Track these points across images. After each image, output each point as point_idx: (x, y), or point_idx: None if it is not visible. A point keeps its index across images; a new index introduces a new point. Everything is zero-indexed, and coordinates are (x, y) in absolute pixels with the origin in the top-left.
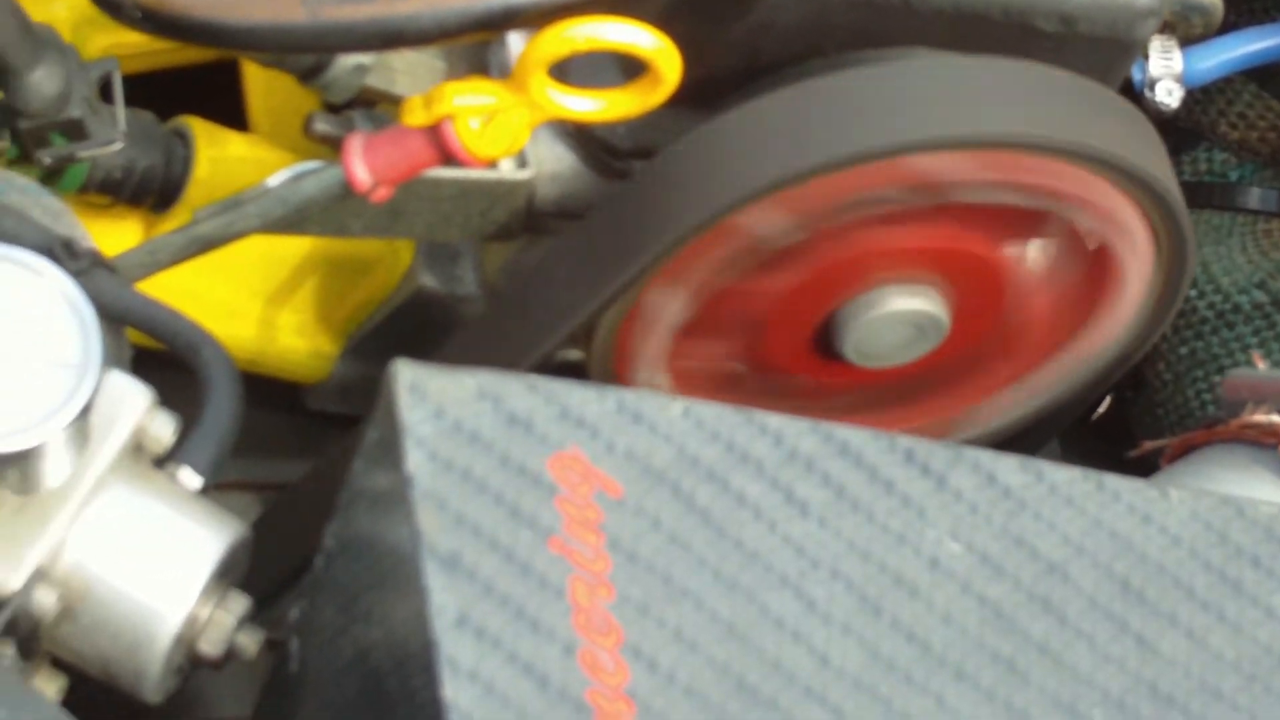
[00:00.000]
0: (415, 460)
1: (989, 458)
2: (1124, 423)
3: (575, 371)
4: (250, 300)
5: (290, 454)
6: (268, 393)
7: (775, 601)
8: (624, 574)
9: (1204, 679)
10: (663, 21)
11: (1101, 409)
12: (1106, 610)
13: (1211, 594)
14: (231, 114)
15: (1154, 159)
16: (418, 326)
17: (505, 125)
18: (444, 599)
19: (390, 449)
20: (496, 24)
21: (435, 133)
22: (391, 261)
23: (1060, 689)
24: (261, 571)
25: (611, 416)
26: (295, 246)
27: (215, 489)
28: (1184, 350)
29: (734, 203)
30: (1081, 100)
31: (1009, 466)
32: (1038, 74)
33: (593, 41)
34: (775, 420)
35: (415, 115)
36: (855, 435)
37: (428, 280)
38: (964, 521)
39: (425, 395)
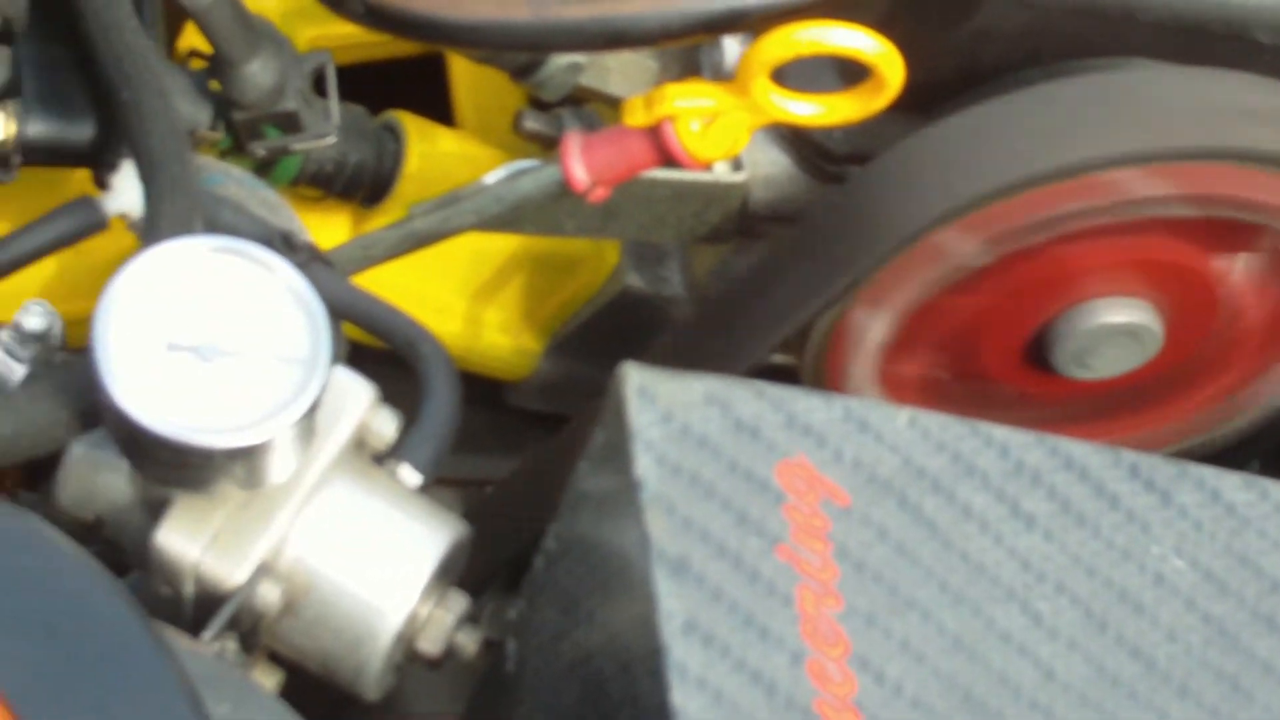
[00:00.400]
0: (644, 464)
1: (1213, 474)
2: None
3: (784, 375)
4: (457, 296)
5: (491, 450)
6: (471, 389)
7: (1001, 615)
8: (851, 583)
9: None
10: (882, 25)
11: None
12: None
13: None
14: (437, 108)
15: None
16: (622, 326)
17: (726, 128)
18: (672, 604)
19: (618, 452)
20: (721, 26)
21: (655, 134)
22: (597, 261)
23: None
24: (466, 568)
25: (838, 424)
26: (502, 244)
27: None
28: None
29: (953, 211)
30: None
31: (1233, 484)
32: (1255, 86)
33: (817, 45)
34: (1000, 432)
35: (636, 116)
36: (1080, 449)
37: (634, 280)
38: (1188, 538)
39: (654, 399)
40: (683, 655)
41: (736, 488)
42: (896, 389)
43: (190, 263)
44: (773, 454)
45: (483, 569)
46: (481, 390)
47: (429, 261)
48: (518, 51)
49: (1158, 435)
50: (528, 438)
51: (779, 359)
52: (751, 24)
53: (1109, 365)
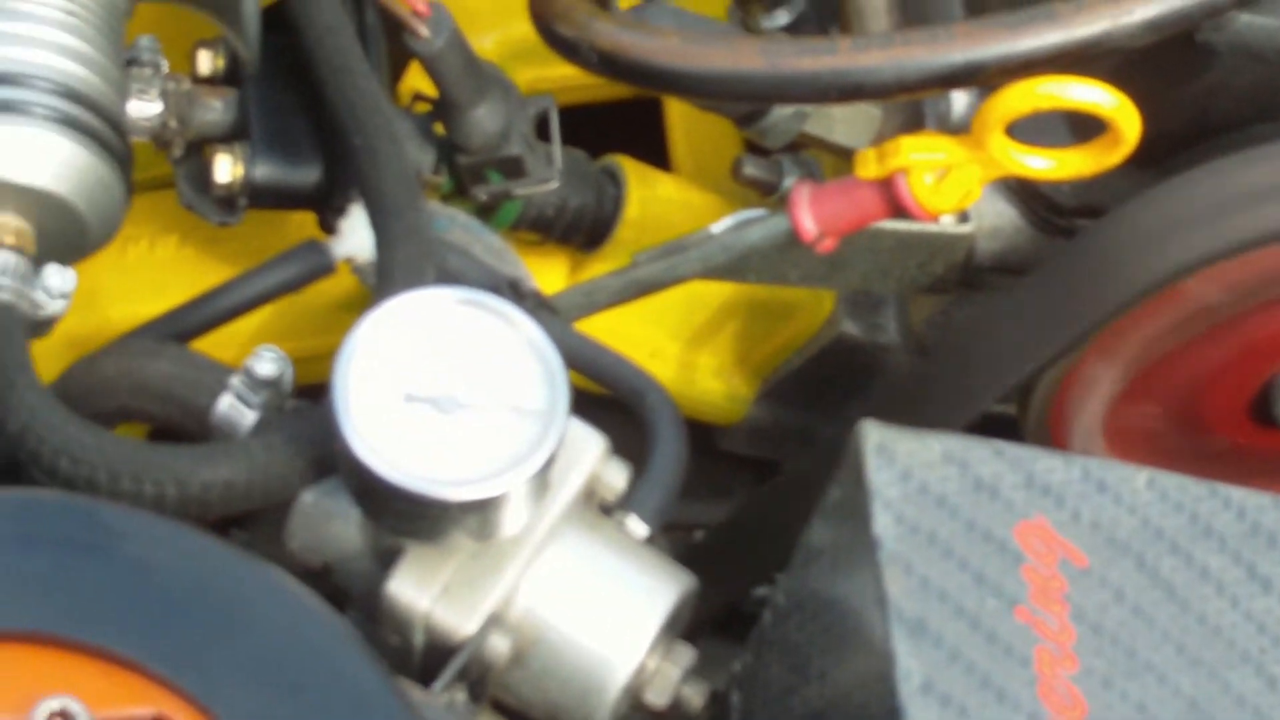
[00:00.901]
0: (883, 522)
1: None
2: None
3: (1003, 424)
4: (671, 341)
5: (700, 495)
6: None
7: (1236, 679)
8: (1088, 646)
9: None
10: (1114, 79)
11: None
12: None
13: None
14: (652, 151)
15: None
16: (835, 373)
17: (959, 181)
18: (910, 664)
19: (855, 509)
20: (957, 80)
21: (887, 186)
22: (813, 307)
23: None
24: None
25: (1076, 485)
26: (716, 290)
27: None
28: None
29: (1186, 268)
30: None
31: None
32: None
33: (1055, 100)
34: (1238, 493)
35: (868, 168)
36: None
37: (849, 328)
38: None
39: (893, 457)
40: (920, 715)
41: (975, 548)
42: (1120, 442)
43: (430, 313)
44: (1011, 514)
45: (694, 616)
46: (692, 434)
47: (644, 305)
48: (751, 103)
49: None
50: (737, 482)
51: (998, 408)
52: (987, 78)
53: None
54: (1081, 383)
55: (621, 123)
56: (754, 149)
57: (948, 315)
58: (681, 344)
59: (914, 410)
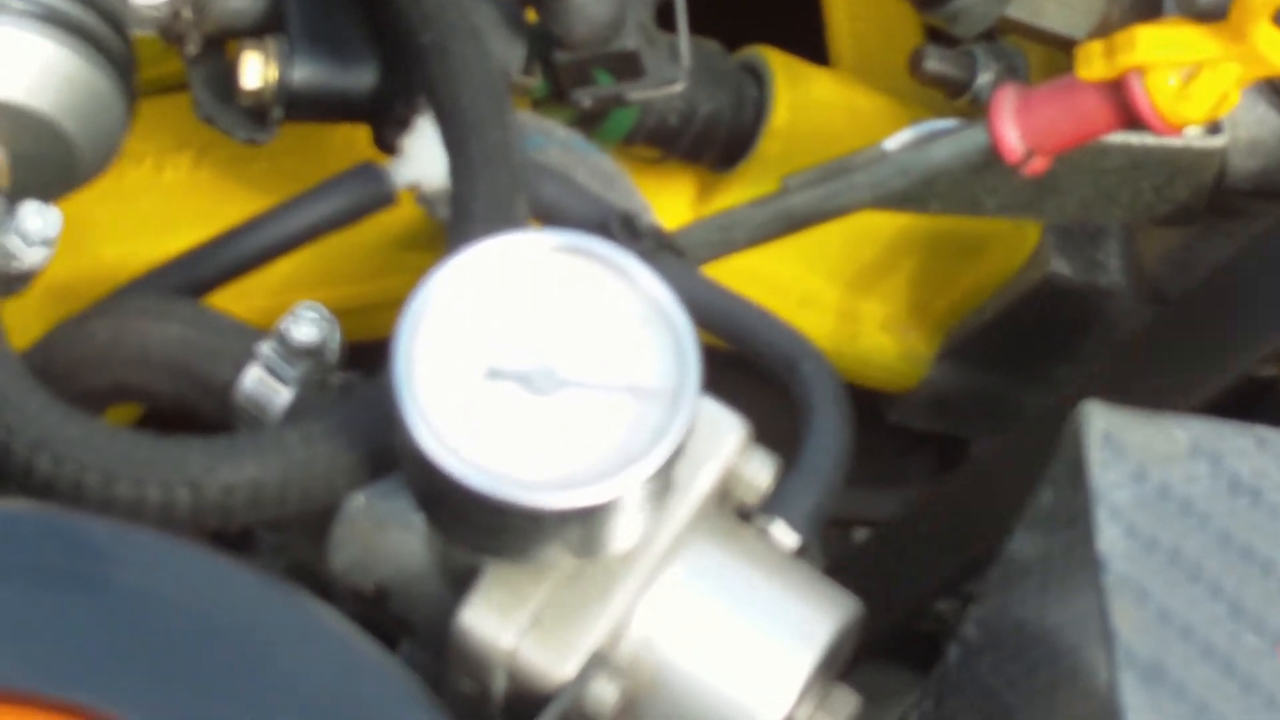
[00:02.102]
0: (1110, 536)
1: None
2: None
3: (1266, 393)
4: (827, 285)
5: (864, 481)
6: None
7: None
8: None
9: None
10: None
11: None
12: None
13: None
14: (809, 42)
15: None
16: (1042, 325)
17: (1214, 83)
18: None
19: (1074, 518)
20: None
21: (1117, 89)
22: (1013, 241)
23: None
24: None
25: None
26: (887, 220)
27: None
28: None
29: None
30: None
31: None
32: None
33: None
34: None
35: (1093, 67)
36: None
37: (1060, 267)
38: None
39: (1124, 450)
40: None
41: (1230, 568)
42: None
43: (520, 264)
44: (1277, 523)
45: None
46: (854, 403)
47: (793, 242)
48: None
49: None
50: (911, 465)
51: (1266, 372)
52: None
53: None
54: None
55: (770, 6)
56: (938, 37)
57: (1192, 251)
58: (841, 289)
59: (1147, 376)
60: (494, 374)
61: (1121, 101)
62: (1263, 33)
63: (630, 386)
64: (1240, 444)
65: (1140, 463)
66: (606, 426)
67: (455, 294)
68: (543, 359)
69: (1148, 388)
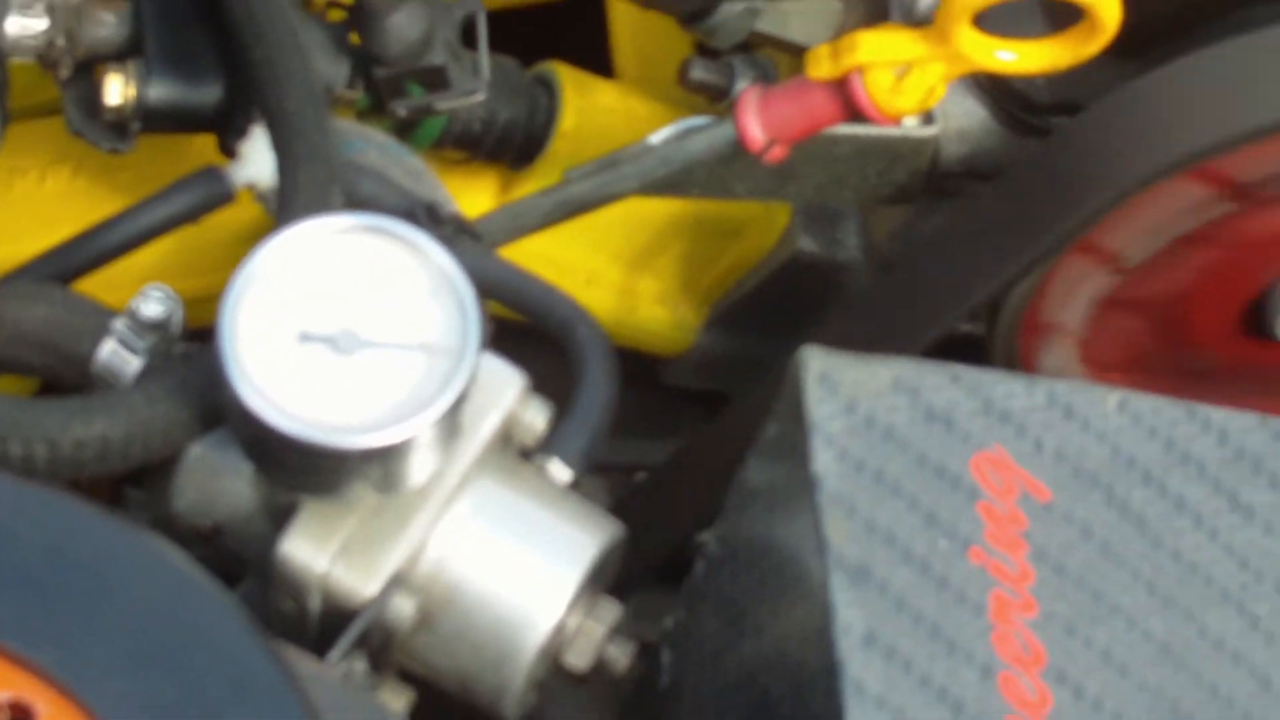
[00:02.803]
0: (823, 460)
1: None
2: None
3: (969, 345)
4: (609, 264)
5: (643, 434)
6: (622, 365)
7: (1214, 619)
8: (1049, 588)
9: None
10: None
11: None
12: None
13: None
14: (595, 57)
15: None
16: (792, 295)
17: (922, 79)
18: (851, 615)
19: (794, 446)
20: None
21: (842, 86)
22: (765, 223)
23: None
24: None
25: (1040, 411)
26: (659, 207)
27: None
28: None
29: (1170, 167)
30: None
31: None
32: None
33: None
34: (1219, 414)
35: (820, 67)
36: None
37: (806, 244)
38: None
39: (836, 387)
40: (861, 671)
41: (926, 484)
42: (1097, 361)
43: (327, 243)
44: (967, 446)
45: (631, 566)
46: (634, 366)
47: (580, 227)
48: None
49: None
50: (684, 419)
51: (965, 328)
52: None
53: None
54: (1055, 296)
55: (561, 27)
56: (705, 51)
57: (912, 227)
58: (622, 268)
59: (873, 332)
60: (305, 337)
61: (845, 97)
62: (964, 34)
63: (421, 345)
64: (935, 379)
65: (850, 397)
66: (401, 379)
67: (273, 270)
68: (347, 323)
69: (871, 342)
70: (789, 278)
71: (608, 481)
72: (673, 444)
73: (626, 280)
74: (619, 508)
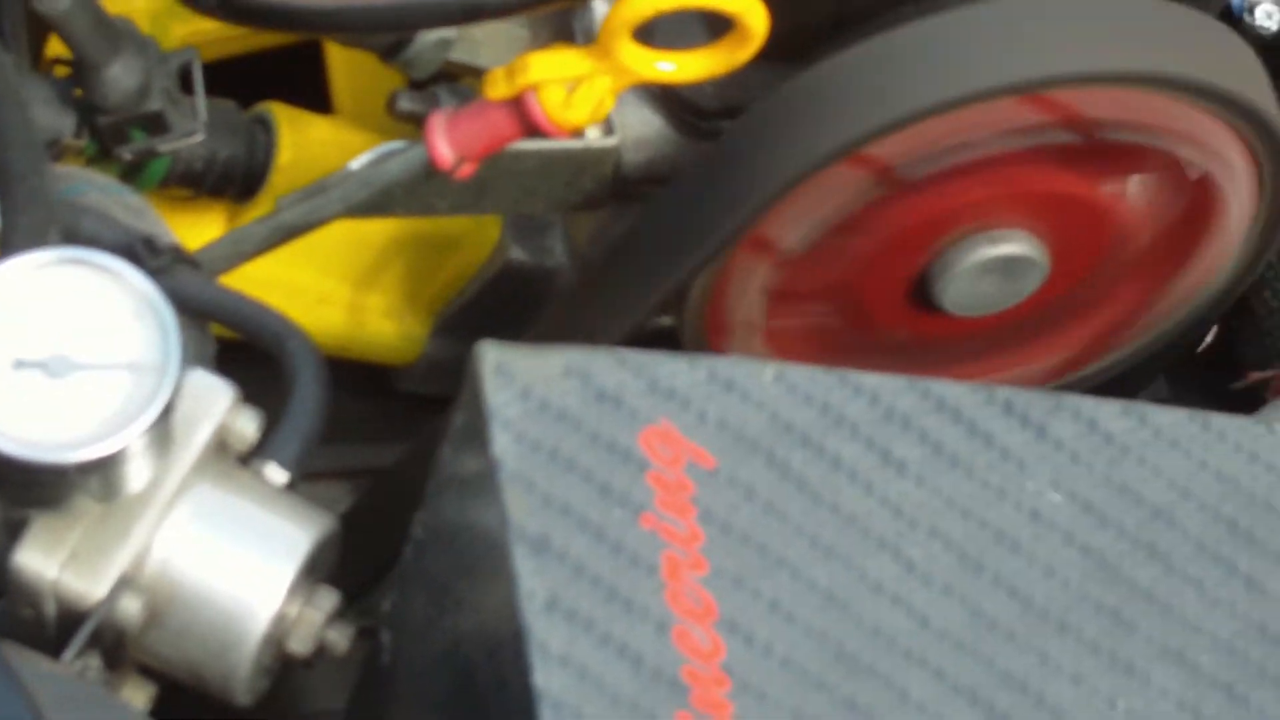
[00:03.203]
0: (502, 443)
1: (1090, 405)
2: (1231, 354)
3: (669, 338)
4: (338, 285)
5: (382, 439)
6: (358, 377)
7: (873, 565)
8: (718, 547)
9: None
10: None
11: (1208, 340)
12: (1214, 553)
13: None
14: (317, 97)
15: (1252, 83)
16: (508, 301)
17: (590, 93)
18: (533, 583)
19: (477, 433)
20: None
21: (518, 104)
22: (479, 236)
23: (1168, 636)
24: (356, 561)
25: (702, 386)
26: (381, 228)
27: (308, 479)
28: None
29: (824, 159)
30: (1172, 27)
31: (1111, 412)
32: (1129, 4)
33: (676, 0)
34: (870, 379)
35: (497, 87)
36: (952, 389)
37: (517, 253)
38: (1065, 471)
39: (511, 376)
40: (545, 635)
41: (599, 460)
42: (782, 343)
43: (35, 276)
44: (635, 422)
45: (373, 561)
46: (371, 377)
47: (307, 252)
48: (380, 34)
49: (1048, 370)
50: (420, 423)
51: (665, 321)
52: None
53: (993, 301)
54: (733, 286)
55: (284, 71)
56: (416, 83)
57: (605, 231)
58: (350, 287)
59: (574, 330)
60: (20, 364)
61: (522, 114)
62: (625, 49)
63: (128, 364)
64: (603, 363)
65: (525, 385)
66: (111, 397)
67: None
68: (58, 349)
69: (573, 338)
70: (503, 285)
71: (353, 486)
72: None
73: (355, 298)
74: (359, 506)
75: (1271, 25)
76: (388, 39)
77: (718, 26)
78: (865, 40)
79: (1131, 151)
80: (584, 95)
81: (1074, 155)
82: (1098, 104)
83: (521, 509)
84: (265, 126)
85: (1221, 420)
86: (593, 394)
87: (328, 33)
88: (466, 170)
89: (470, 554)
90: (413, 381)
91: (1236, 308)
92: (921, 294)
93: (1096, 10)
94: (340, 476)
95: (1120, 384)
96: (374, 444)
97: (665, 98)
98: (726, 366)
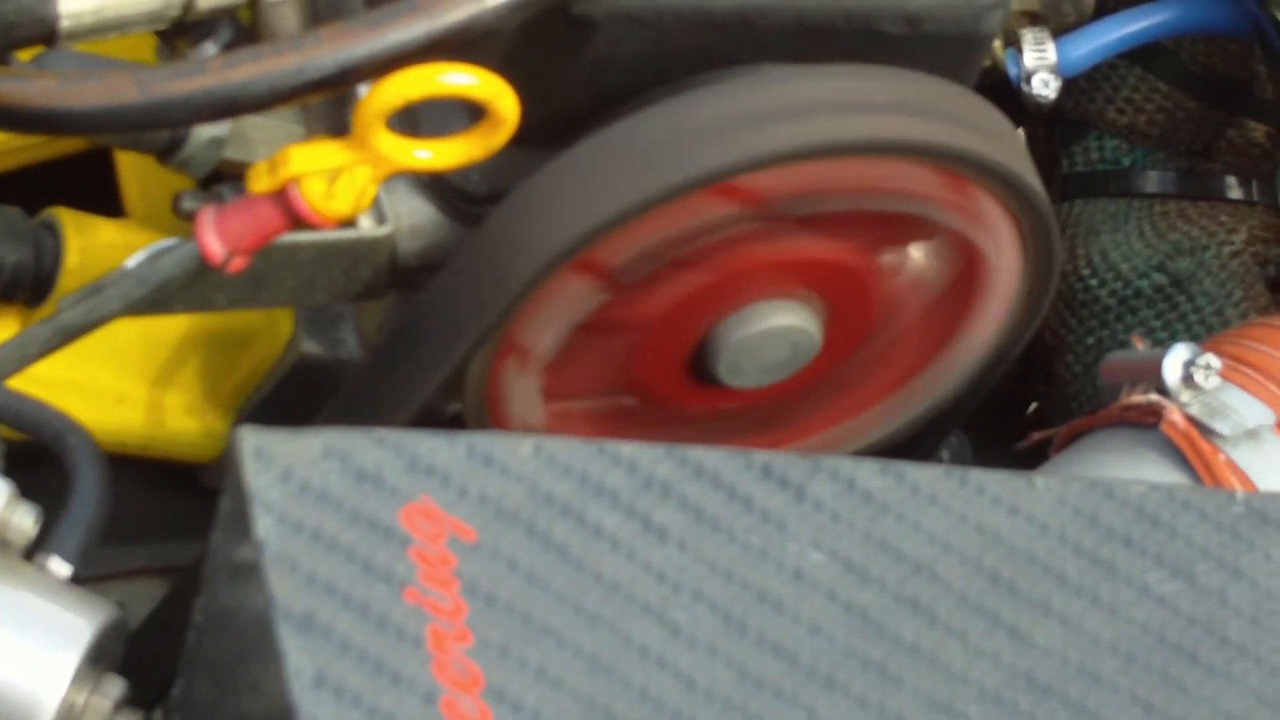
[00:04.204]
0: (264, 525)
1: (848, 464)
2: (1040, 418)
3: (460, 423)
4: (136, 384)
5: (192, 535)
6: (166, 474)
7: (638, 630)
8: (482, 618)
9: (1082, 664)
10: (505, 64)
11: (1030, 409)
12: (977, 605)
13: (1084, 578)
14: (110, 203)
15: (1010, 151)
16: (305, 394)
17: (351, 183)
18: (300, 660)
19: (242, 517)
20: (333, 83)
21: (282, 197)
22: (272, 331)
23: (935, 689)
24: (167, 653)
25: (462, 462)
26: (175, 325)
27: (120, 576)
28: (1090, 340)
29: (579, 240)
30: (930, 98)
31: (869, 471)
32: (883, 76)
33: (424, 88)
34: (628, 449)
35: (261, 181)
36: (710, 456)
37: (310, 346)
38: (826, 530)
39: (271, 459)
40: (314, 710)
41: (360, 538)
42: (565, 421)
43: None
44: (396, 499)
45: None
46: (177, 474)
47: (102, 352)
48: (138, 132)
49: (841, 436)
50: None
51: (458, 407)
52: (363, 76)
53: (772, 371)
54: (508, 366)
55: (76, 178)
56: (206, 182)
57: (390, 318)
58: (147, 386)
59: (359, 418)
60: None
61: (287, 206)
62: (380, 138)
63: None
64: (362, 443)
65: (285, 467)
66: None
67: None
68: None
69: (357, 423)
70: (299, 378)
71: (166, 582)
72: None
73: (153, 396)
74: (164, 604)
75: (1049, 93)
76: (161, 140)
77: (477, 113)
78: (609, 125)
79: (892, 220)
80: (345, 185)
81: (837, 226)
82: (854, 173)
83: (286, 589)
84: (52, 231)
85: (980, 475)
86: (353, 473)
87: (88, 134)
88: (238, 264)
89: (246, 637)
90: (218, 477)
91: (1043, 373)
92: (700, 369)
93: (851, 81)
94: (154, 573)
95: (912, 446)
96: (185, 540)
97: (436, 185)
98: (485, 442)
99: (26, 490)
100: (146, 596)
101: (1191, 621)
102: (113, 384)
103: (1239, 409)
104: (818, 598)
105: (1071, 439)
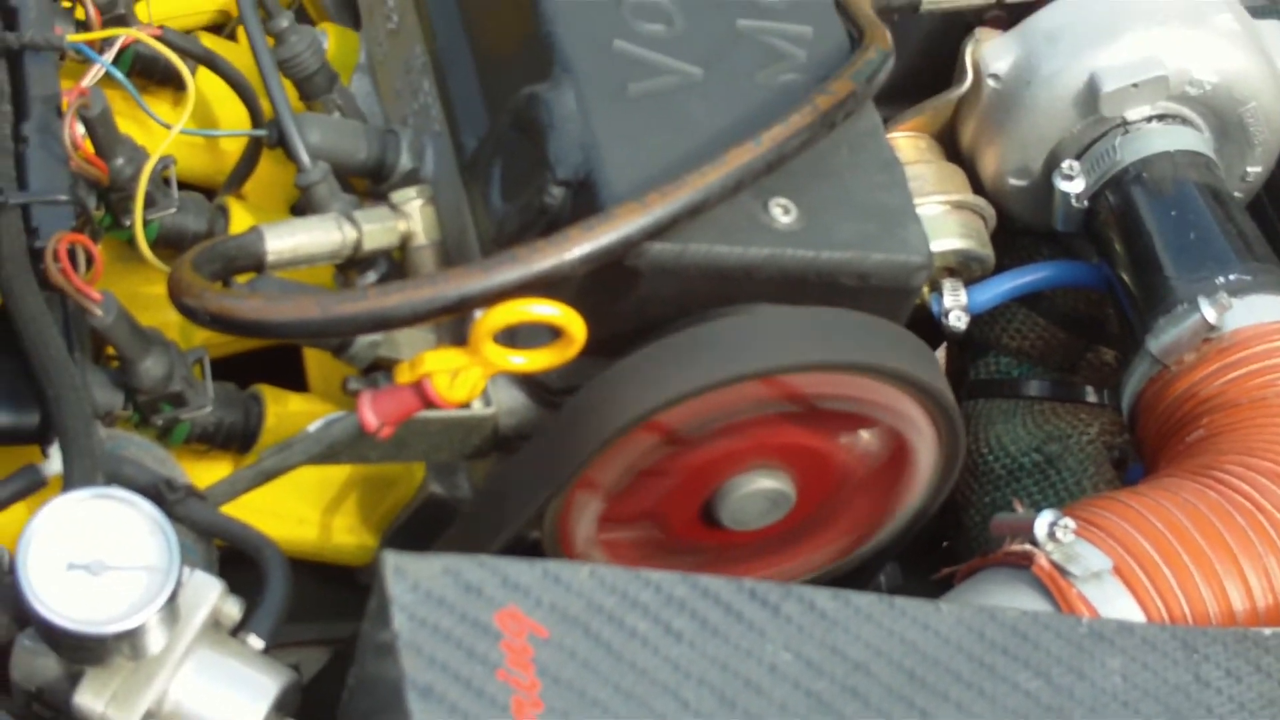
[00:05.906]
0: (399, 620)
1: (809, 591)
2: (954, 555)
3: (538, 548)
4: (313, 510)
5: (349, 618)
6: (331, 573)
7: (659, 704)
8: (551, 692)
9: None
10: (577, 298)
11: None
12: (899, 694)
13: (974, 676)
14: (299, 381)
15: (929, 370)
16: (431, 523)
17: (467, 379)
18: (422, 719)
19: (384, 613)
20: (456, 308)
21: (419, 386)
22: (410, 477)
23: None
24: (329, 706)
25: (539, 580)
26: (341, 471)
27: (298, 645)
28: (987, 500)
29: (624, 427)
30: (872, 331)
31: (824, 595)
32: (845, 316)
33: (519, 315)
34: (655, 575)
35: (404, 374)
36: (713, 582)
37: (436, 488)
38: (793, 637)
39: (405, 573)
40: None
41: (466, 632)
42: (616, 551)
43: (82, 506)
44: (492, 606)
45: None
46: (340, 574)
47: (289, 488)
48: (322, 339)
49: (808, 564)
50: None
51: (535, 535)
52: (477, 304)
53: (759, 519)
54: (573, 513)
55: (276, 363)
56: (364, 371)
57: (492, 472)
58: (320, 511)
59: (466, 541)
60: (72, 566)
61: (422, 393)
62: (488, 348)
63: (145, 566)
64: (469, 565)
65: (416, 579)
66: (133, 587)
67: (48, 525)
68: (97, 556)
69: (468, 547)
70: (428, 511)
71: (329, 651)
72: None
73: (325, 519)
74: (331, 665)
75: (961, 325)
76: (334, 341)
77: (556, 332)
78: (648, 345)
79: (847, 417)
80: (463, 380)
81: (809, 418)
82: (812, 384)
83: (414, 666)
84: (257, 401)
85: (903, 601)
86: (462, 586)
87: (283, 339)
88: (387, 432)
89: (383, 698)
90: (368, 577)
91: (953, 524)
92: (709, 515)
93: (817, 319)
94: (321, 644)
95: (858, 575)
96: (342, 621)
97: (528, 381)
98: (555, 567)
99: (232, 586)
100: (315, 661)
101: (1049, 710)
102: (296, 510)
103: (1087, 557)
104: (786, 686)
105: (969, 574)
